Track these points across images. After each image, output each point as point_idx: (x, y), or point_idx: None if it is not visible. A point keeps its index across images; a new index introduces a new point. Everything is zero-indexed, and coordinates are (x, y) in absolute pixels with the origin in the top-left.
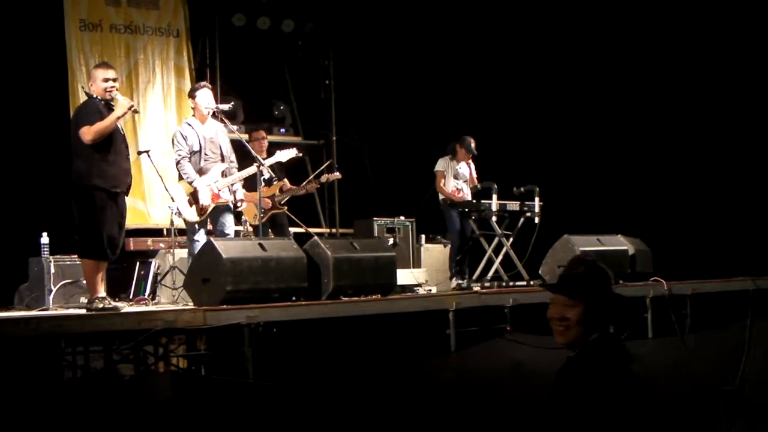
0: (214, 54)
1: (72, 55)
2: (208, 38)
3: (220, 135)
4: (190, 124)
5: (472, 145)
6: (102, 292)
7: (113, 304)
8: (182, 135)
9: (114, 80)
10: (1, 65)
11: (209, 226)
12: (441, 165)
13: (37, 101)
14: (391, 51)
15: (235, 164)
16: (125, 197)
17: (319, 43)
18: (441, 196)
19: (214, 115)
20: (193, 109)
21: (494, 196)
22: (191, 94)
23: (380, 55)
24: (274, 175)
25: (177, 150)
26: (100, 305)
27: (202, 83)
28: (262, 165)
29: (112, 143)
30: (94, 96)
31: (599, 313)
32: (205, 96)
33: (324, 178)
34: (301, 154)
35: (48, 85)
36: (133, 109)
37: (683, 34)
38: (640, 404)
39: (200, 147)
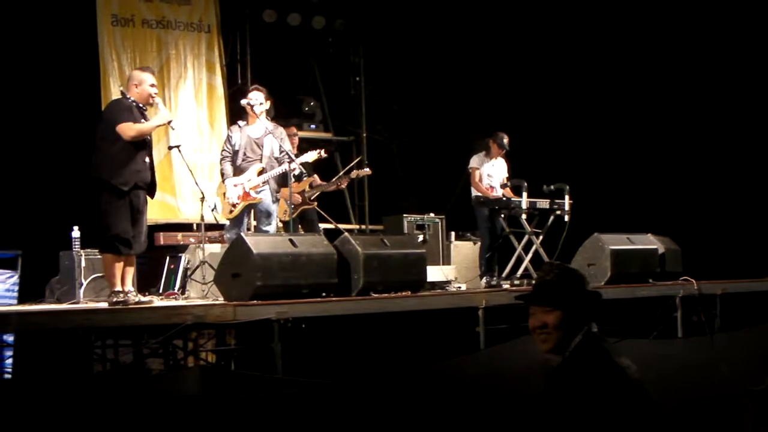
0: (244, 50)
1: (104, 50)
2: (239, 34)
3: (268, 136)
4: (238, 125)
5: (505, 140)
6: (118, 286)
7: (127, 297)
8: (228, 135)
9: (155, 86)
10: (34, 60)
11: (249, 222)
12: (475, 162)
13: (69, 96)
14: (421, 47)
15: (284, 158)
16: (144, 195)
17: (349, 40)
18: (473, 193)
19: (271, 117)
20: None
21: (524, 194)
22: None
23: (410, 52)
24: (304, 171)
25: (222, 150)
26: (114, 299)
27: (253, 86)
28: (293, 161)
29: (133, 145)
30: (128, 96)
31: (577, 315)
32: (251, 96)
33: (354, 174)
34: (326, 155)
35: (80, 79)
36: (171, 123)
37: (716, 33)
38: (632, 400)
39: (240, 147)
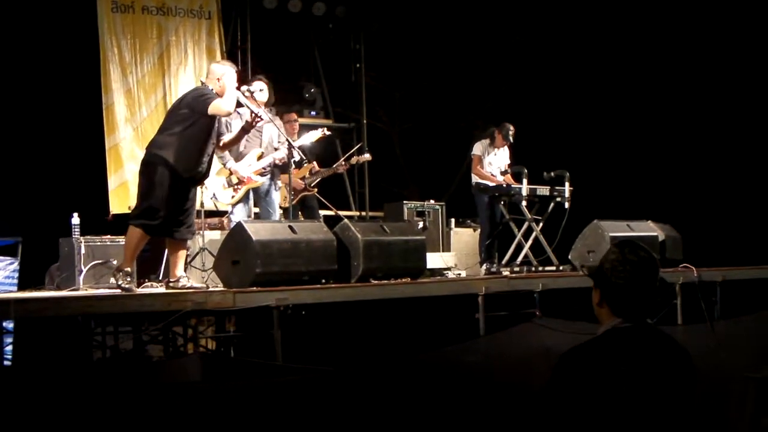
0: (245, 36)
1: (104, 37)
2: (240, 20)
3: (268, 123)
4: (238, 112)
5: (510, 132)
6: (131, 266)
7: (130, 286)
8: (227, 122)
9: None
10: (34, 47)
11: (252, 210)
12: (478, 149)
13: (69, 83)
14: (422, 35)
15: (282, 152)
16: (196, 187)
17: (349, 27)
18: (474, 180)
19: (272, 104)
20: None
21: (524, 181)
22: None
23: (411, 39)
24: (304, 158)
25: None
26: (119, 281)
27: (256, 75)
28: (293, 147)
29: (206, 135)
30: (210, 88)
31: (609, 300)
32: (253, 85)
33: (354, 160)
34: (329, 133)
35: (80, 66)
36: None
37: (716, 22)
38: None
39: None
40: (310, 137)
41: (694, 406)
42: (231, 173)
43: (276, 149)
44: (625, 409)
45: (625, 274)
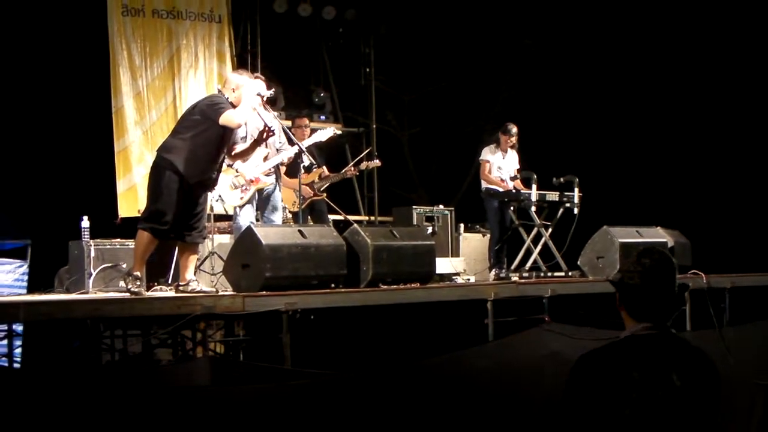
0: (255, 40)
1: (114, 40)
2: (250, 24)
3: (274, 122)
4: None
5: (513, 130)
6: (141, 270)
7: (139, 289)
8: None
9: None
10: (44, 50)
11: (255, 212)
12: (486, 154)
13: (78, 86)
14: (431, 39)
15: (284, 147)
16: (204, 190)
17: (359, 31)
18: (483, 186)
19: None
20: None
21: (534, 186)
22: None
23: (421, 43)
24: (314, 162)
25: None
26: (129, 285)
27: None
28: (304, 152)
29: (217, 142)
30: (225, 96)
31: (628, 304)
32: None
33: (363, 165)
34: (340, 132)
35: (90, 70)
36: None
37: (724, 29)
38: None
39: (246, 134)
40: (322, 136)
41: (718, 417)
42: (236, 174)
43: (278, 150)
44: (635, 415)
45: (639, 276)
